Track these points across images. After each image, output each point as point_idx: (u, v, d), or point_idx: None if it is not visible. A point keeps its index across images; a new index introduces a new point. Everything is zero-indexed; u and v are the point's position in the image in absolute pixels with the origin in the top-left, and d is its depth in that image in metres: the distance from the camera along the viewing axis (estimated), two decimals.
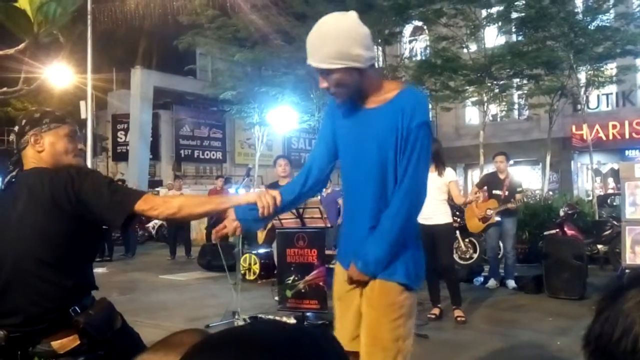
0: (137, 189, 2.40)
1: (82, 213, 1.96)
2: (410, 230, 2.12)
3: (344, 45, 1.94)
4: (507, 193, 7.28)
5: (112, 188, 1.99)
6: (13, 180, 2.07)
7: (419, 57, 18.53)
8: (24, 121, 2.09)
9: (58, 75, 15.59)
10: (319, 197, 6.86)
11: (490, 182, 7.46)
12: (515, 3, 12.88)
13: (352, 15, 2.02)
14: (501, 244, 7.65)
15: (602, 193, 16.93)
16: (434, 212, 5.73)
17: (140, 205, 1.97)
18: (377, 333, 2.10)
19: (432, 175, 5.74)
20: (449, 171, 5.84)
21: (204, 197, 2.30)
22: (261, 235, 7.87)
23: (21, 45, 2.26)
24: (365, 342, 2.12)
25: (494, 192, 7.34)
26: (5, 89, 3.24)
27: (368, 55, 1.99)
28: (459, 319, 5.67)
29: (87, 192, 1.95)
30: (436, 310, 5.83)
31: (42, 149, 2.06)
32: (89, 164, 14.29)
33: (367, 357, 2.11)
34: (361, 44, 1.96)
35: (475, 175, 21.42)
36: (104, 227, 2.27)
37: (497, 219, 7.26)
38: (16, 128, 2.10)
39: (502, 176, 7.41)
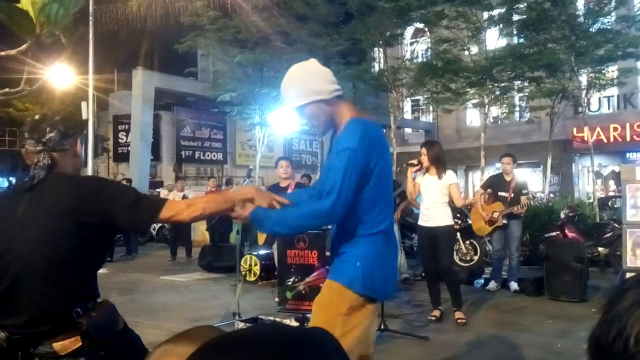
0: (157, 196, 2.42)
1: (104, 221, 1.96)
2: (379, 244, 2.27)
3: (305, 83, 2.26)
4: (512, 195, 7.27)
5: (137, 198, 2.02)
6: (40, 180, 1.99)
7: (420, 59, 18.54)
8: (71, 123, 2.11)
9: (60, 76, 15.60)
10: None
11: (496, 184, 7.43)
12: (517, 5, 12.89)
13: (312, 60, 2.35)
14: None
15: (603, 195, 16.92)
16: (434, 214, 5.73)
17: (164, 213, 2.01)
18: (314, 325, 2.25)
19: (432, 178, 5.75)
20: (449, 173, 5.82)
21: (220, 197, 2.36)
22: (261, 237, 7.87)
23: (23, 46, 2.27)
24: None
25: (499, 193, 7.32)
26: (7, 89, 3.24)
27: (331, 88, 2.26)
28: (459, 321, 5.66)
29: (114, 201, 1.97)
30: (436, 312, 5.82)
31: (76, 157, 2.12)
32: (90, 165, 14.30)
33: None
34: (321, 79, 2.27)
35: (476, 178, 21.43)
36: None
37: (504, 221, 7.25)
38: (60, 127, 2.05)
39: (508, 178, 7.40)
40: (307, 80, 2.26)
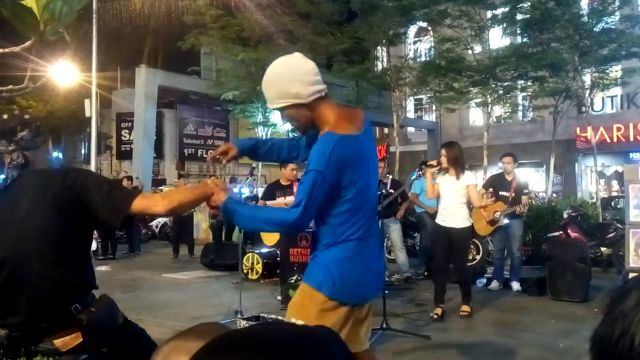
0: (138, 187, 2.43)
1: (82, 211, 1.97)
2: (352, 248, 2.23)
3: (283, 85, 2.18)
4: (514, 194, 7.26)
5: (110, 188, 2.00)
6: (14, 179, 2.04)
7: (423, 58, 18.53)
8: (38, 123, 2.14)
9: (63, 73, 15.63)
10: None
11: (497, 184, 7.43)
12: (520, 5, 12.86)
13: (295, 56, 2.24)
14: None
15: (606, 195, 16.87)
16: (452, 214, 5.81)
17: (137, 205, 1.98)
18: None
19: (451, 178, 5.80)
20: (467, 174, 5.88)
21: (191, 187, 2.40)
22: (267, 238, 7.88)
23: (27, 43, 2.27)
24: None
25: (500, 193, 7.32)
26: (10, 86, 3.24)
27: (309, 91, 2.17)
28: (462, 313, 5.81)
29: (89, 192, 1.97)
30: (438, 310, 5.86)
31: (48, 152, 2.16)
32: (93, 162, 14.33)
33: None
34: (299, 82, 2.17)
35: (478, 177, 21.37)
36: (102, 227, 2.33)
37: (506, 221, 7.25)
38: (32, 125, 2.10)
39: (509, 177, 7.40)
40: (285, 83, 2.18)
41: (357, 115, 2.35)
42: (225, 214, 2.25)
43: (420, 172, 6.15)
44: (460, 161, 5.85)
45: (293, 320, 2.25)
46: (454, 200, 5.79)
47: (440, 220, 5.94)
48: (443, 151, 5.90)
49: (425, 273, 8.48)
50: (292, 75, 2.18)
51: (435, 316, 5.79)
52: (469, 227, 6.03)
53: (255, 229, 2.37)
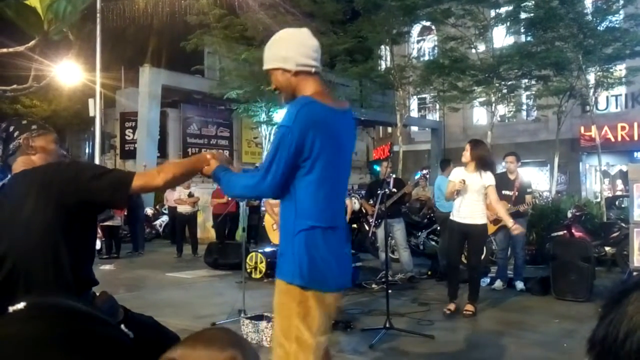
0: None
1: (84, 201, 2.00)
2: (317, 237, 2.21)
3: (277, 48, 2.27)
4: (517, 194, 7.26)
5: (106, 172, 2.07)
6: (4, 184, 2.08)
7: (426, 57, 18.49)
8: (11, 127, 2.14)
9: (67, 73, 15.68)
10: None
11: (500, 183, 7.40)
12: (524, 4, 12.82)
13: (303, 29, 2.32)
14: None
15: (610, 195, 16.83)
16: (471, 211, 5.81)
17: (137, 182, 2.05)
18: (275, 330, 2.30)
19: (471, 175, 5.78)
20: (489, 175, 5.88)
21: (186, 159, 2.45)
22: (274, 235, 7.89)
23: (31, 43, 2.28)
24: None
25: (503, 192, 7.30)
26: (15, 85, 3.25)
27: (298, 60, 2.22)
28: (466, 312, 5.80)
29: (88, 179, 2.00)
30: (452, 306, 5.94)
31: (34, 153, 2.13)
32: (97, 162, 14.36)
33: (273, 355, 2.29)
34: (292, 49, 2.23)
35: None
36: (109, 222, 2.37)
37: None
38: (2, 134, 2.13)
39: (512, 177, 7.39)
40: (280, 46, 2.26)
41: (340, 102, 2.43)
42: (215, 181, 2.34)
43: (424, 173, 6.18)
44: (484, 161, 5.84)
45: (277, 322, 2.27)
46: (474, 197, 5.79)
47: (458, 217, 5.92)
48: (468, 146, 5.89)
49: (429, 272, 8.47)
50: (288, 41, 2.27)
51: (448, 311, 5.87)
52: (486, 224, 6.05)
53: (235, 196, 2.44)
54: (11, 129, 2.14)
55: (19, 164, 2.10)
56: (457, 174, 5.93)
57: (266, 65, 2.30)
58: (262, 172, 2.19)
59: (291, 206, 2.23)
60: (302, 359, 2.20)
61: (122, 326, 1.93)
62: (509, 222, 5.96)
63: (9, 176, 2.10)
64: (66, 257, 1.97)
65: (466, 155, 5.84)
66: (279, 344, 2.24)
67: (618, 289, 0.71)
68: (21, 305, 0.89)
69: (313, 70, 2.26)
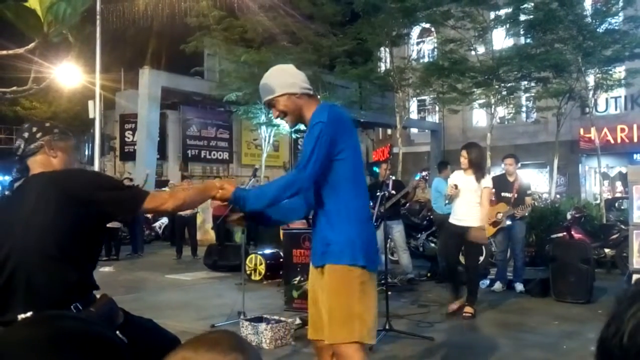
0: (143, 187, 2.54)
1: (94, 209, 2.03)
2: (364, 221, 2.53)
3: (279, 78, 2.56)
4: (516, 196, 7.26)
5: (119, 188, 2.16)
6: (20, 183, 2.11)
7: (426, 59, 18.51)
8: (34, 128, 2.18)
9: (67, 74, 15.67)
10: None
11: (499, 185, 7.42)
12: (524, 6, 12.83)
13: (289, 65, 2.70)
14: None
15: (609, 197, 16.84)
16: (467, 214, 5.84)
17: (148, 204, 2.13)
18: (332, 312, 2.43)
19: (469, 178, 5.84)
20: (487, 177, 5.96)
21: (196, 186, 2.62)
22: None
23: (31, 45, 2.28)
24: (326, 323, 2.44)
25: (502, 194, 7.31)
26: (14, 87, 3.26)
27: (301, 85, 2.55)
28: (465, 314, 5.81)
29: (103, 190, 2.07)
30: (455, 305, 5.97)
31: (55, 155, 2.16)
32: (96, 164, 14.37)
33: (329, 337, 2.43)
34: (294, 76, 2.57)
35: None
36: (109, 224, 2.44)
37: (508, 222, 7.24)
38: (25, 134, 2.16)
39: (511, 179, 7.39)
40: (282, 76, 2.56)
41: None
42: (237, 203, 2.40)
43: (424, 175, 6.23)
44: (479, 163, 5.94)
45: (335, 303, 2.41)
46: (470, 199, 5.83)
47: (455, 220, 5.96)
48: (464, 152, 5.95)
49: (428, 274, 8.47)
50: (287, 71, 2.62)
51: (451, 310, 5.92)
52: (483, 225, 6.06)
53: (271, 203, 2.47)
54: (34, 129, 2.17)
55: (37, 164, 2.13)
56: (454, 179, 6.02)
57: (273, 94, 2.52)
58: (301, 166, 2.40)
59: (335, 196, 2.48)
60: (366, 336, 2.42)
61: (117, 332, 1.93)
62: (478, 226, 5.78)
63: (23, 178, 2.13)
64: (69, 263, 1.98)
65: (464, 162, 5.92)
66: (342, 322, 2.38)
67: (627, 290, 0.72)
68: (29, 314, 0.90)
69: (311, 92, 2.61)
